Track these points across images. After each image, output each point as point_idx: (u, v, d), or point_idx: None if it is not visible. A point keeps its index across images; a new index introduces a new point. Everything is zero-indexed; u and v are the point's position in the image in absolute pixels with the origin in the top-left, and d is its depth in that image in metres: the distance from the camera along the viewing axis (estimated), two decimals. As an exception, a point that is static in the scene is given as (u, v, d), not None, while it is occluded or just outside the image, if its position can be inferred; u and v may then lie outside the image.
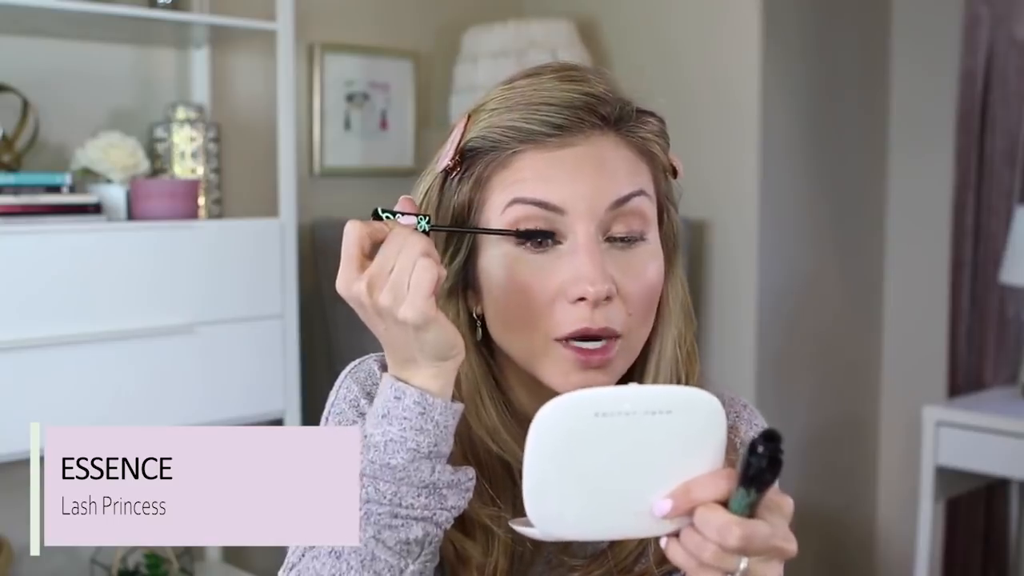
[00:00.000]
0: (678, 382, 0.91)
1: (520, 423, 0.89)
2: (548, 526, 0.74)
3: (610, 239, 0.84)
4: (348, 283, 0.79)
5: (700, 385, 0.91)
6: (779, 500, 0.72)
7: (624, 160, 0.85)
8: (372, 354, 0.96)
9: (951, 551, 3.17)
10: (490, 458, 0.89)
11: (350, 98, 2.88)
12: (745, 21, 2.78)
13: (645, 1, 2.99)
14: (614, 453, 0.71)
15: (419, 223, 0.82)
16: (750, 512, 0.70)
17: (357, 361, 0.96)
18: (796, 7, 2.89)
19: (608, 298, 0.83)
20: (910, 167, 3.22)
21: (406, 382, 0.80)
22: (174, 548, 2.44)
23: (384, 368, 0.93)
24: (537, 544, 0.91)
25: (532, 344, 0.84)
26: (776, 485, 0.96)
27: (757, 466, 0.69)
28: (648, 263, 0.86)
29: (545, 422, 0.71)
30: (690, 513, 0.71)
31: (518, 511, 0.87)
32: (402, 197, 0.84)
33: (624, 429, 0.71)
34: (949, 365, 3.15)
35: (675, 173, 0.92)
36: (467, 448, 0.88)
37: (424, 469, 0.79)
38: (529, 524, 0.76)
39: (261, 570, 2.63)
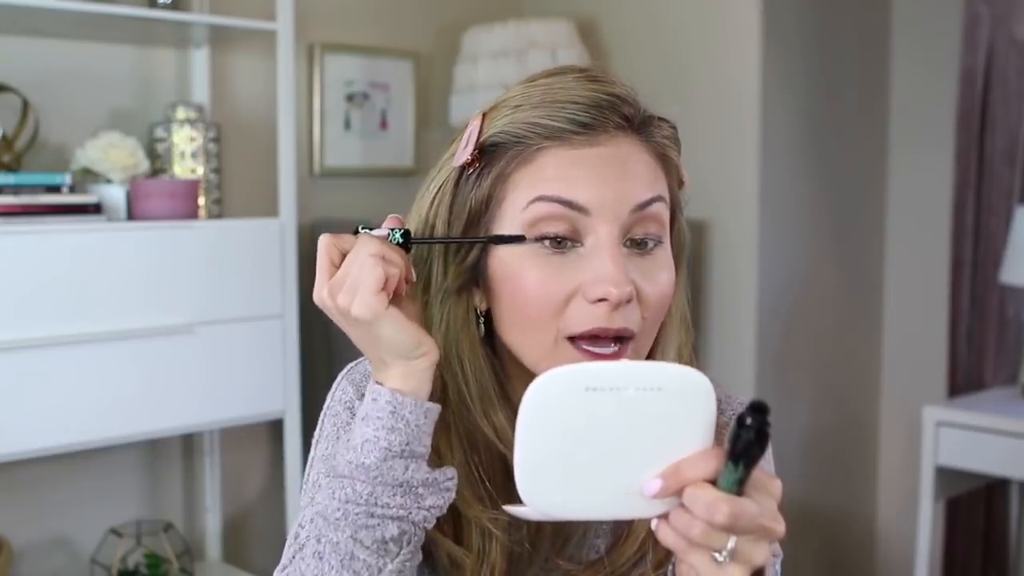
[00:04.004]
0: None
1: None
2: (539, 504, 0.74)
3: (629, 243, 0.84)
4: (318, 292, 0.83)
5: None
6: (767, 480, 0.72)
7: (645, 164, 0.85)
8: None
9: (951, 551, 3.17)
10: (492, 458, 0.89)
11: (350, 98, 2.88)
12: (745, 21, 2.78)
13: (645, 1, 2.98)
14: (604, 430, 0.71)
15: (392, 235, 0.84)
16: (738, 490, 0.70)
17: (354, 363, 0.96)
18: (796, 7, 2.89)
19: (628, 300, 0.82)
20: (910, 167, 3.22)
21: (382, 384, 0.82)
22: (174, 548, 2.44)
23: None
24: (534, 544, 0.91)
25: (543, 343, 0.84)
26: (772, 468, 0.96)
27: (745, 439, 0.68)
28: (664, 269, 0.86)
29: (536, 395, 0.71)
30: (680, 493, 0.71)
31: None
32: (389, 216, 0.86)
33: (614, 405, 0.71)
34: (949, 365, 3.15)
35: (681, 183, 0.92)
36: (468, 448, 0.88)
37: (397, 468, 0.79)
38: (517, 510, 0.76)
39: (261, 570, 2.63)
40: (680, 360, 0.91)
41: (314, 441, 0.94)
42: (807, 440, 3.01)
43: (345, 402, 0.92)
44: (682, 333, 0.91)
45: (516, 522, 0.88)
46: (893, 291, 3.28)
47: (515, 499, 0.80)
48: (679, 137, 0.90)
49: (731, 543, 0.70)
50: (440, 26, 3.02)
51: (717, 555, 0.70)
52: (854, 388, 3.22)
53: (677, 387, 0.71)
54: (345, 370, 0.96)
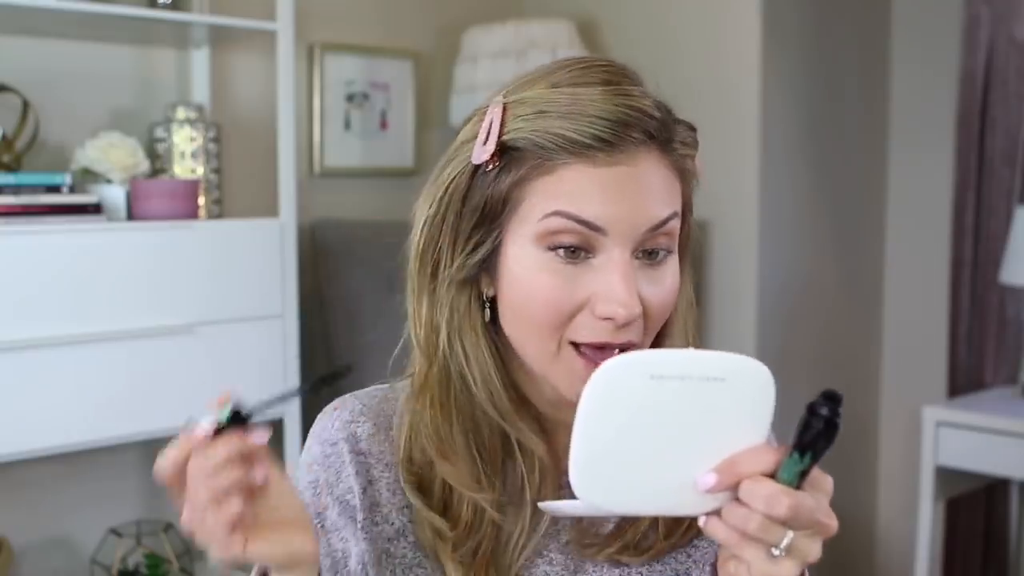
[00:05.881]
0: None
1: (522, 401, 0.90)
2: (592, 495, 0.72)
3: (640, 254, 0.85)
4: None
5: None
6: (821, 476, 0.72)
7: (664, 180, 0.85)
8: (348, 398, 0.96)
9: (951, 551, 3.17)
10: (493, 440, 0.90)
11: (350, 98, 2.88)
12: (745, 21, 2.78)
13: (645, 1, 2.98)
14: (663, 420, 0.70)
15: (222, 415, 0.74)
16: (798, 483, 0.69)
17: (328, 413, 0.96)
18: (796, 7, 2.89)
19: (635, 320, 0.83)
20: (910, 167, 3.22)
21: None
22: (174, 548, 2.44)
23: (364, 407, 0.94)
24: (535, 530, 0.91)
25: (548, 346, 0.85)
26: None
27: (816, 429, 0.67)
28: (670, 279, 0.87)
29: (600, 382, 0.70)
30: (733, 488, 0.70)
31: (509, 494, 0.88)
32: (218, 398, 0.76)
33: (676, 394, 0.70)
34: (949, 365, 3.15)
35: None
36: (470, 430, 0.89)
37: None
38: (559, 506, 0.75)
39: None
40: (687, 337, 0.92)
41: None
42: (807, 440, 3.00)
43: (309, 482, 0.93)
44: (687, 316, 0.93)
45: (515, 507, 0.89)
46: (893, 291, 3.28)
47: (511, 479, 0.79)
48: (697, 139, 0.90)
49: (788, 538, 0.69)
50: (440, 26, 3.02)
51: (774, 549, 0.69)
52: (854, 388, 3.22)
53: (739, 378, 0.70)
54: (314, 427, 0.96)
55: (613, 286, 0.82)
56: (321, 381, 0.77)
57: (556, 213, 0.83)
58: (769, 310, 2.84)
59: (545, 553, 0.91)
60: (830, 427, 0.68)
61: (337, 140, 2.86)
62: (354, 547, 0.91)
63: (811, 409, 0.67)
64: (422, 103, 3.01)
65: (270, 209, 2.46)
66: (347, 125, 2.88)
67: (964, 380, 3.12)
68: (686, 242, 0.92)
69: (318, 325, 2.67)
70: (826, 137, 3.02)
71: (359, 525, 0.90)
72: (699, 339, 0.94)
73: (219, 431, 0.73)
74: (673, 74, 2.94)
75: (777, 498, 0.68)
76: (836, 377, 3.13)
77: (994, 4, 3.03)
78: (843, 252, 3.14)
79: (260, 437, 0.75)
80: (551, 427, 0.92)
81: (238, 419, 0.74)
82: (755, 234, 2.79)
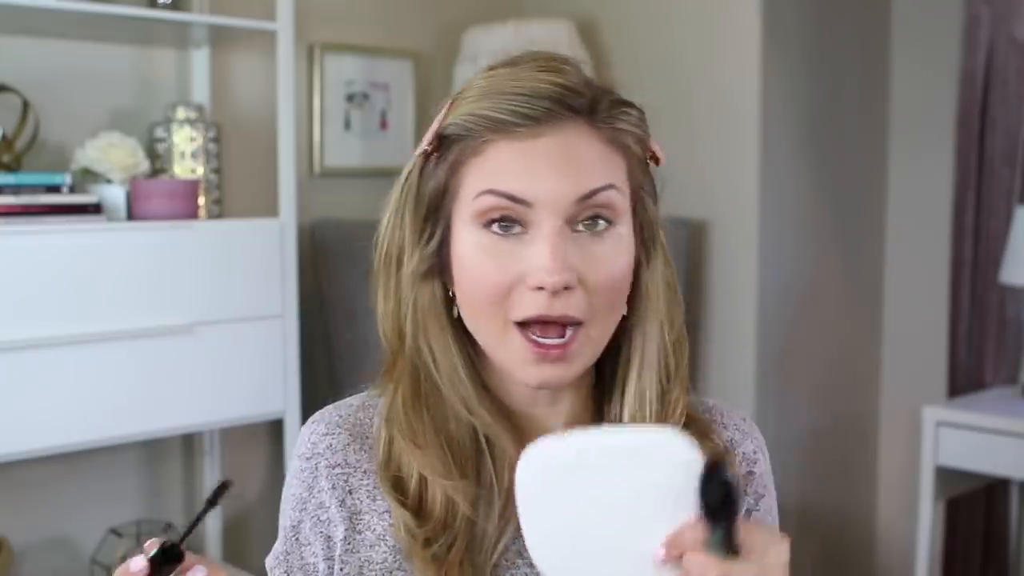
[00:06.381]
0: (665, 372, 0.91)
1: (492, 399, 0.91)
2: (557, 573, 0.75)
3: (582, 225, 0.85)
4: None
5: (696, 388, 0.93)
6: (762, 543, 0.72)
7: (595, 152, 0.86)
8: (328, 410, 0.98)
9: (951, 551, 3.17)
10: (461, 433, 0.90)
11: (350, 98, 2.88)
12: (745, 21, 2.78)
13: (645, 2, 2.98)
14: (598, 499, 0.71)
15: (152, 553, 0.79)
16: (728, 549, 0.69)
17: (308, 426, 0.98)
18: (796, 7, 2.89)
19: (568, 288, 0.84)
20: (910, 167, 3.22)
21: None
22: (174, 548, 2.43)
23: (341, 418, 0.97)
24: (504, 528, 0.91)
25: (494, 328, 0.86)
26: (774, 517, 0.96)
27: (712, 502, 0.68)
28: (615, 253, 0.87)
29: (526, 470, 0.72)
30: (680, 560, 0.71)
31: (482, 484, 0.89)
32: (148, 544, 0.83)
33: (603, 473, 0.71)
34: (949, 365, 3.15)
35: (656, 161, 0.92)
36: (439, 424, 0.90)
37: None
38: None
39: (261, 570, 2.63)
40: (666, 322, 0.91)
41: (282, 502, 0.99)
42: (807, 440, 3.01)
43: (291, 495, 0.96)
44: (668, 301, 0.92)
45: (487, 504, 0.89)
46: (893, 291, 3.28)
47: (483, 477, 0.82)
48: (645, 120, 0.90)
49: None
50: (440, 26, 3.02)
51: None
52: (854, 388, 3.22)
53: (657, 451, 0.71)
54: (297, 447, 0.98)
55: (540, 256, 0.83)
56: (211, 502, 0.83)
57: (486, 192, 0.85)
58: (769, 310, 2.84)
59: (526, 554, 0.91)
60: (727, 493, 0.68)
61: (337, 140, 2.86)
62: (321, 563, 0.93)
63: (700, 486, 0.68)
64: (422, 103, 3.01)
65: (270, 209, 2.46)
66: (347, 125, 2.88)
67: (964, 380, 3.12)
68: (651, 226, 0.92)
69: (318, 325, 2.67)
70: (826, 137, 3.02)
71: (341, 537, 0.92)
72: (685, 338, 0.94)
73: (155, 565, 0.79)
74: (673, 74, 2.94)
75: (706, 570, 0.69)
76: (836, 377, 3.13)
77: (994, 4, 3.03)
78: (843, 252, 3.14)
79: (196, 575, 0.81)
80: (526, 424, 0.92)
81: (171, 555, 0.79)
82: (755, 234, 2.79)
